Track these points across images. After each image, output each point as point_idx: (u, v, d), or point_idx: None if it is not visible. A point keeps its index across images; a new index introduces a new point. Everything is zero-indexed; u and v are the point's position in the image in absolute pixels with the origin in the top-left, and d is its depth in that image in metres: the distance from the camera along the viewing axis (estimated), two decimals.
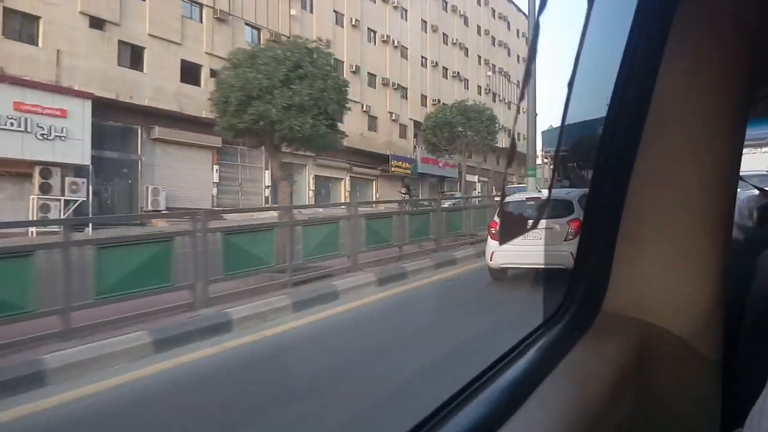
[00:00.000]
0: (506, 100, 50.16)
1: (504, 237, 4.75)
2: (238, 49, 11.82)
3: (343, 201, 29.48)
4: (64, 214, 16.85)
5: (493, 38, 48.54)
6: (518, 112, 47.70)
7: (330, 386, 3.98)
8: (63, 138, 17.68)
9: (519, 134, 51.45)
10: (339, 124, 11.18)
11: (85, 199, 18.15)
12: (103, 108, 18.99)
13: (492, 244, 7.76)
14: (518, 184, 38.63)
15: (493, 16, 48.85)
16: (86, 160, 18.37)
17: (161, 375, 4.59)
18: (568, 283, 1.15)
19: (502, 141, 48.72)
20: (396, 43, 35.21)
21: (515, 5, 50.81)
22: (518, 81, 53.46)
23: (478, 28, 46.21)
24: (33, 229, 14.64)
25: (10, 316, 4.96)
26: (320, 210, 16.70)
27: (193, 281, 6.61)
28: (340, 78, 11.28)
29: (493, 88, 48.45)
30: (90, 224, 15.44)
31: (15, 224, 14.72)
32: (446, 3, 41.69)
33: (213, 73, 23.64)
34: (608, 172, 1.12)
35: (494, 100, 49.26)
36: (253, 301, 6.70)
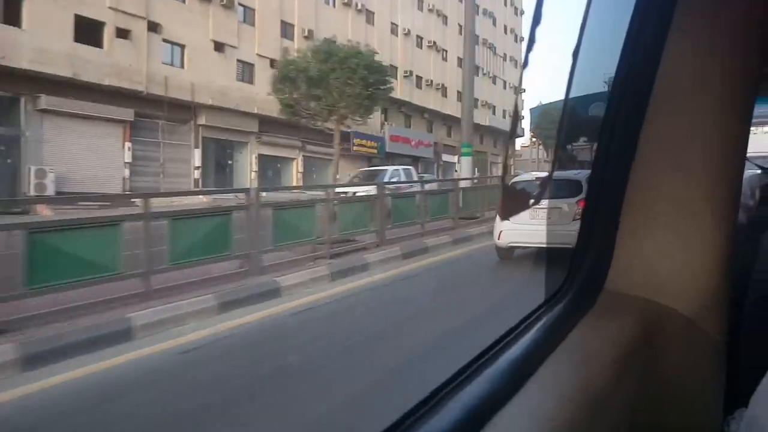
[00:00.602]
0: (491, 74, 46.30)
1: (511, 215, 5.86)
2: None
3: (306, 184, 26.21)
4: None
5: (477, 5, 44.44)
6: (517, 93, 43.98)
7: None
8: None
9: (505, 111, 47.59)
10: None
11: None
12: None
13: (500, 223, 7.86)
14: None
15: None
16: None
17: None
18: (570, 262, 1.14)
19: (484, 118, 45.16)
20: (360, 6, 31.34)
21: None
22: (504, 54, 49.59)
23: None
24: None
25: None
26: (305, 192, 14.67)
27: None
28: None
29: (476, 60, 44.53)
30: None
31: None
32: None
33: (121, 33, 20.03)
34: (612, 150, 1.11)
35: (477, 74, 45.50)
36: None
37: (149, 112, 20.97)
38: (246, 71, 25.12)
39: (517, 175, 9.81)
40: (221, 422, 3.16)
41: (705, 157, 1.04)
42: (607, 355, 0.89)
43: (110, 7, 19.51)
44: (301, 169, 28.78)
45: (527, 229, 7.14)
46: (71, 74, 18.30)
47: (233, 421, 3.16)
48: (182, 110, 22.18)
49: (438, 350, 3.81)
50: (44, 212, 14.86)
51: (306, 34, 27.80)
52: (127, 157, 20.60)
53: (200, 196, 17.09)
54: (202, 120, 23.07)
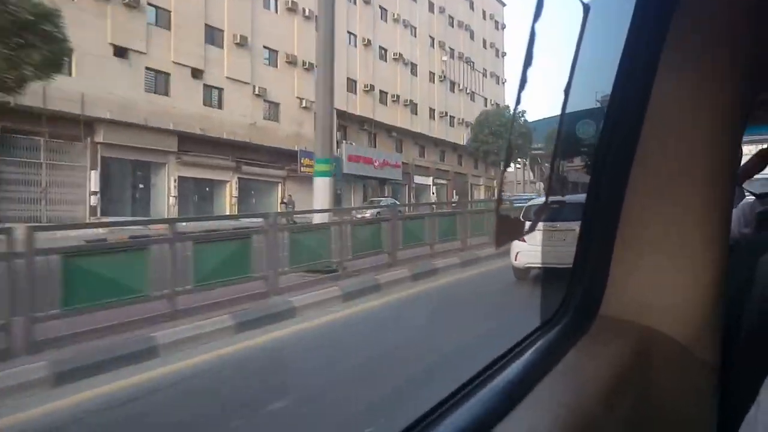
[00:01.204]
0: (468, 90, 43.05)
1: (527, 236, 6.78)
2: None
3: (255, 212, 22.59)
4: None
5: (451, 17, 41.48)
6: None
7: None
8: None
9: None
10: None
11: None
12: None
13: (517, 245, 8.01)
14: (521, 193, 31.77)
15: None
16: None
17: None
18: (566, 286, 1.16)
19: (461, 137, 41.72)
20: (307, 12, 28.16)
21: None
22: (484, 69, 46.47)
23: (430, 4, 39.23)
24: None
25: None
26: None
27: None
28: None
29: (451, 75, 41.38)
30: None
31: None
32: None
33: None
34: (606, 177, 1.14)
35: (452, 90, 42.28)
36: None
37: (24, 127, 17.49)
38: (159, 81, 21.78)
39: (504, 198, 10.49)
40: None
41: (696, 184, 1.06)
42: (601, 379, 0.90)
43: None
44: (235, 194, 25.22)
45: (543, 250, 7.48)
46: None
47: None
48: (72, 125, 18.75)
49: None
50: None
51: (238, 40, 24.58)
52: None
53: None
54: (99, 137, 19.63)
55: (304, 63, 27.96)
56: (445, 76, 40.27)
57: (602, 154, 1.12)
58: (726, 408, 1.08)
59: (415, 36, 37.65)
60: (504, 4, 49.41)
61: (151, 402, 4.46)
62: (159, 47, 21.44)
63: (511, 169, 53.53)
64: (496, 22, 49.01)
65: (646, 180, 1.07)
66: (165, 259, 6.74)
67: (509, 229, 1.08)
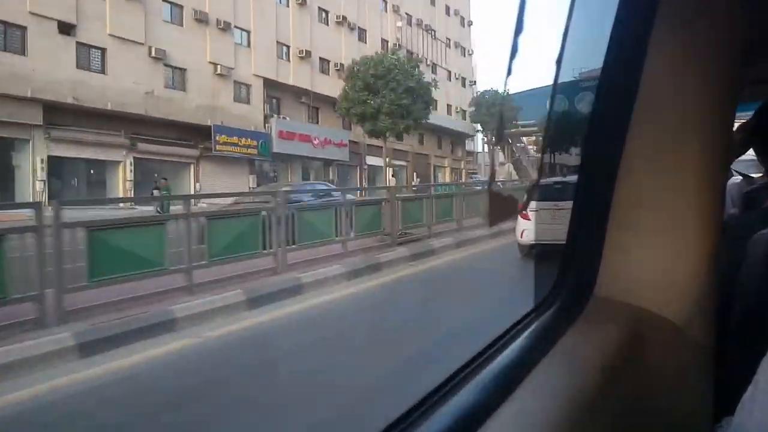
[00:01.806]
0: (429, 61, 38.99)
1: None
2: None
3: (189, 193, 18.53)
4: None
5: None
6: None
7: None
8: None
9: (451, 106, 40.15)
10: None
11: None
12: None
13: (522, 223, 8.63)
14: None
15: None
16: None
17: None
18: (559, 269, 1.15)
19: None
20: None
21: None
22: (448, 39, 42.44)
23: None
24: None
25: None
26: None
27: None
28: None
29: (407, 44, 37.29)
30: None
31: None
32: None
33: None
34: (597, 158, 1.13)
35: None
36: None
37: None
38: (11, 37, 17.59)
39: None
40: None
41: (688, 163, 1.06)
42: (596, 361, 0.91)
43: None
44: (130, 177, 21.13)
45: (548, 228, 7.69)
46: None
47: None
48: None
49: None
50: None
51: None
52: None
53: None
54: None
55: (218, 22, 23.80)
56: (400, 45, 36.13)
57: (593, 135, 1.12)
58: (721, 388, 1.06)
59: None
60: None
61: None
62: None
63: (479, 149, 49.88)
64: None
65: (638, 161, 1.06)
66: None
67: (505, 210, 1.18)
